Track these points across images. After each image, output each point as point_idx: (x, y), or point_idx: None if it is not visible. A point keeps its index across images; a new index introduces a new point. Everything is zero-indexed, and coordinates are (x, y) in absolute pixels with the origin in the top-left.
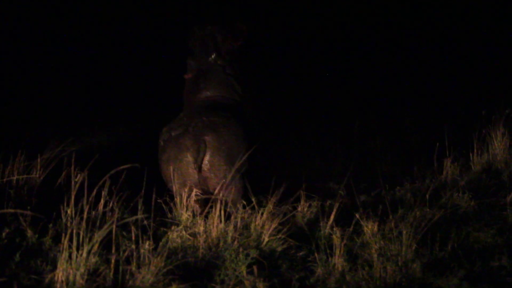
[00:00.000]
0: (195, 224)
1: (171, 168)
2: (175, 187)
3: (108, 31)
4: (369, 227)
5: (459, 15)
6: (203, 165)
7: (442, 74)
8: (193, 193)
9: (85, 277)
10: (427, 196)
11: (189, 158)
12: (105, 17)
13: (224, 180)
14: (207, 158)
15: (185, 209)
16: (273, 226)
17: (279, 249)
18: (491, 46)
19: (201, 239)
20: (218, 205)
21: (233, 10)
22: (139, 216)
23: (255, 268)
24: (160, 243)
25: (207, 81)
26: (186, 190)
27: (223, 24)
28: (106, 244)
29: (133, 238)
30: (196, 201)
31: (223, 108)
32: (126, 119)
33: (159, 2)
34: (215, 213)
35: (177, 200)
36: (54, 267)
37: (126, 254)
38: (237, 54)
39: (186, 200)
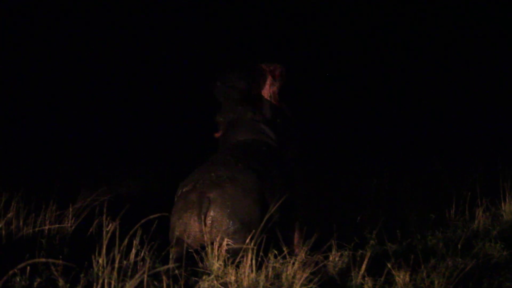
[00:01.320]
0: (226, 273)
1: (176, 217)
2: (174, 234)
3: (138, 79)
4: (401, 277)
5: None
6: (206, 220)
7: (472, 121)
8: (225, 242)
9: None
10: (459, 245)
11: (193, 213)
12: (137, 63)
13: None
14: (210, 213)
15: (216, 258)
16: (305, 275)
17: None
18: None
19: None
20: (250, 255)
21: (256, 55)
22: (171, 265)
23: None
24: None
25: (236, 129)
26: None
27: (245, 71)
28: None
29: (165, 287)
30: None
31: (244, 155)
32: (156, 168)
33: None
34: (246, 263)
35: (208, 249)
36: None
37: None
38: (275, 97)
39: (218, 250)
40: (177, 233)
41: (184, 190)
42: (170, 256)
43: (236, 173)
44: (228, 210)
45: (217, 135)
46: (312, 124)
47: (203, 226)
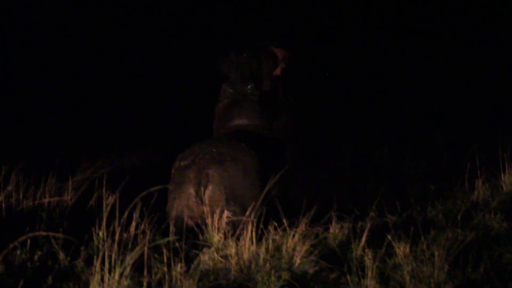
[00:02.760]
0: (226, 246)
1: (174, 194)
2: (173, 210)
3: (137, 54)
4: (401, 249)
5: (492, 36)
6: (204, 198)
7: (473, 94)
8: (224, 215)
9: None
10: (459, 217)
11: (190, 190)
12: (137, 41)
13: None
14: (208, 191)
15: (216, 231)
16: (305, 248)
17: (311, 271)
18: None
19: (233, 261)
20: (250, 227)
21: (270, 35)
22: (171, 238)
23: None
24: (192, 266)
25: (241, 110)
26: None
27: (259, 51)
28: (138, 267)
29: (165, 260)
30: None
31: (246, 138)
32: (156, 140)
33: (190, 26)
34: (246, 235)
35: (208, 221)
36: None
37: (158, 276)
38: (277, 81)
39: (218, 222)
40: (175, 210)
41: (182, 163)
42: (170, 229)
43: (238, 152)
44: (226, 189)
45: (221, 103)
46: (315, 100)
47: (201, 203)
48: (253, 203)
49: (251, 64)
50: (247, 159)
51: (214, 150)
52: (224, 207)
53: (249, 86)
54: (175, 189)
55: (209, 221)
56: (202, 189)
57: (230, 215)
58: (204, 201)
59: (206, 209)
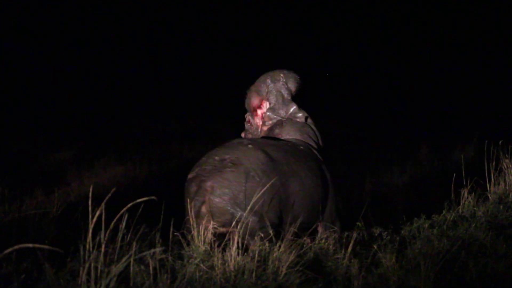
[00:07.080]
0: (212, 257)
1: (187, 208)
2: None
3: (127, 65)
4: (387, 259)
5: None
6: (205, 210)
7: (459, 104)
8: (210, 226)
9: None
10: (445, 227)
11: (194, 203)
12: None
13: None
14: (209, 204)
15: (202, 242)
16: (291, 258)
17: (297, 281)
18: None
19: (219, 272)
20: (236, 238)
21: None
22: (157, 249)
23: None
24: (178, 277)
25: (282, 128)
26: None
27: (295, 74)
28: (124, 278)
29: (151, 271)
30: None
31: (265, 142)
32: (142, 151)
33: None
34: (232, 246)
35: (194, 233)
36: None
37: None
38: None
39: (203, 233)
40: (187, 222)
41: (189, 176)
42: (156, 240)
43: (241, 155)
44: (227, 197)
45: (265, 128)
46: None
47: (208, 217)
48: (261, 205)
49: (289, 86)
50: (251, 160)
51: (216, 158)
52: (231, 220)
53: (291, 108)
54: (186, 205)
55: (195, 232)
56: (199, 204)
57: (216, 226)
58: (204, 214)
59: (208, 220)
